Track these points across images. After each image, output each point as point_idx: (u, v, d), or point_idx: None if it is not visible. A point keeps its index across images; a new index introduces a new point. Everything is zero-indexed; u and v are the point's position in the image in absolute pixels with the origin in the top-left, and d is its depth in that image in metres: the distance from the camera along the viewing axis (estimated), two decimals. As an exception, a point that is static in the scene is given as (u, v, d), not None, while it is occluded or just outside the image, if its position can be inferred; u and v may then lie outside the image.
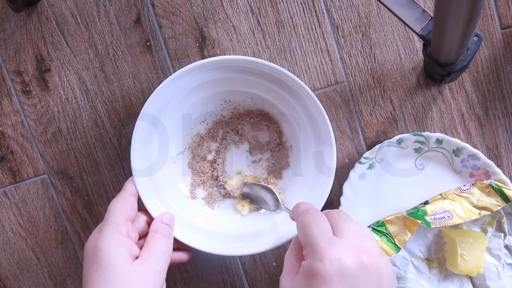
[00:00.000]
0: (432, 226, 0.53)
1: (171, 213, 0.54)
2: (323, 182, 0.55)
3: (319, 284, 0.40)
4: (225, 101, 0.58)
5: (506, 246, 0.59)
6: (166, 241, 0.51)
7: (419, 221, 0.54)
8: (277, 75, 0.53)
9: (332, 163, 0.54)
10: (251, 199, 0.58)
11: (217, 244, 0.55)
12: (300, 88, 0.53)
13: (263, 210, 0.59)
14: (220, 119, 0.59)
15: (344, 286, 0.40)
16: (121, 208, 0.50)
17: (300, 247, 0.45)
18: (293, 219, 0.49)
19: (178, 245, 0.54)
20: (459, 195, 0.57)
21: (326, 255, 0.41)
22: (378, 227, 0.56)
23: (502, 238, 0.59)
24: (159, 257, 0.49)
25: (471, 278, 0.60)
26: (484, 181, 0.57)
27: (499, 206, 0.56)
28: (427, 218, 0.55)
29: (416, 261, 0.60)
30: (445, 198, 0.58)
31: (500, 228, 0.59)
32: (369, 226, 0.56)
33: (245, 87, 0.56)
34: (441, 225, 0.54)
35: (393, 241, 0.55)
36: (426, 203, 0.58)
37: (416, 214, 0.55)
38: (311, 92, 0.53)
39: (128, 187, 0.53)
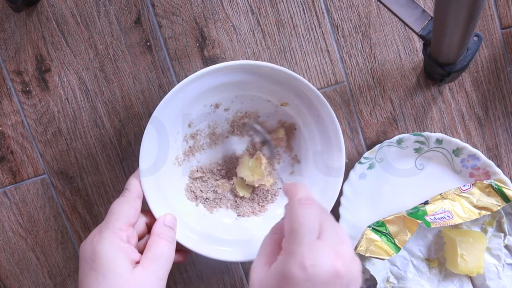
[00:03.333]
0: (432, 226, 0.53)
1: (173, 214, 0.53)
2: (331, 183, 0.55)
3: (290, 287, 0.40)
4: (229, 106, 0.58)
5: (506, 246, 0.59)
6: (168, 246, 0.49)
7: (419, 221, 0.54)
8: (282, 77, 0.53)
9: (340, 163, 0.54)
10: (255, 134, 0.58)
11: (218, 248, 0.55)
12: (307, 88, 0.53)
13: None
14: (225, 123, 0.59)
15: None
16: (124, 211, 0.48)
17: (281, 237, 0.44)
18: (286, 195, 0.46)
19: (176, 246, 0.53)
20: (459, 195, 0.57)
21: (305, 260, 0.40)
22: (378, 227, 0.56)
23: (502, 238, 0.59)
24: (160, 263, 0.47)
25: (471, 278, 0.60)
26: (484, 181, 0.57)
27: (499, 206, 0.56)
28: (427, 218, 0.55)
29: (416, 261, 0.60)
30: (445, 198, 0.58)
31: (500, 228, 0.59)
32: (369, 226, 0.56)
33: (252, 90, 0.56)
34: (441, 225, 0.54)
35: (393, 241, 0.55)
36: (426, 203, 0.58)
37: (416, 214, 0.55)
38: (318, 92, 0.53)
39: (133, 187, 0.51)
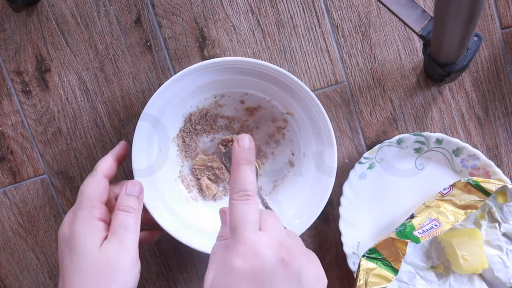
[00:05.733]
0: (422, 240, 0.53)
1: (138, 181, 0.52)
2: (324, 182, 0.55)
3: (236, 280, 0.39)
4: (225, 102, 0.58)
5: (504, 234, 0.59)
6: (128, 216, 0.49)
7: (408, 240, 0.53)
8: (277, 75, 0.53)
9: (333, 163, 0.54)
10: (231, 160, 0.59)
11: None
12: (300, 88, 0.53)
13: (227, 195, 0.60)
14: (221, 120, 0.59)
15: (261, 281, 0.39)
16: (94, 191, 0.49)
17: (224, 245, 0.44)
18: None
19: (147, 222, 0.53)
20: (441, 200, 0.58)
21: (246, 251, 0.40)
22: (372, 255, 0.55)
23: (498, 227, 0.59)
24: (121, 234, 0.48)
25: (480, 274, 0.59)
26: (462, 180, 0.57)
27: (482, 201, 0.56)
28: (416, 233, 0.54)
29: (422, 272, 0.60)
30: (429, 207, 0.58)
31: (492, 219, 0.59)
32: (363, 256, 0.55)
33: (246, 88, 0.56)
34: (431, 237, 0.54)
35: (389, 264, 0.55)
36: (412, 217, 0.58)
37: (404, 231, 0.55)
38: (310, 92, 0.53)
39: (100, 167, 0.52)
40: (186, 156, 0.59)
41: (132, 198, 0.50)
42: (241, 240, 0.41)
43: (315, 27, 0.60)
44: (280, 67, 0.60)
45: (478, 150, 0.59)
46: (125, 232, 0.48)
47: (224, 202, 0.60)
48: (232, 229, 0.42)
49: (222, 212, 0.49)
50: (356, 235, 0.60)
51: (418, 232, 0.55)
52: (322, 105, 0.54)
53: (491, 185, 0.56)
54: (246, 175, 0.43)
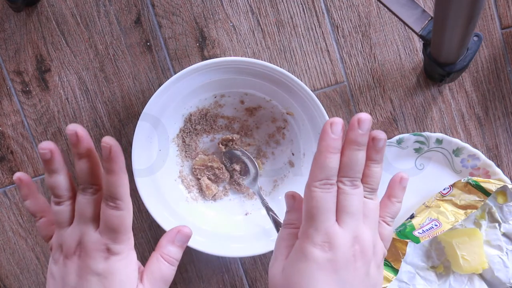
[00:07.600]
0: (422, 240, 0.53)
1: (188, 228, 0.46)
2: None
3: (311, 269, 0.39)
4: (225, 102, 0.58)
5: (504, 234, 0.59)
6: (170, 270, 0.44)
7: (408, 240, 0.53)
8: (277, 75, 0.53)
9: None
10: (231, 160, 0.59)
11: (217, 245, 0.55)
12: (300, 88, 0.53)
13: (229, 193, 0.60)
14: (221, 120, 0.59)
15: (336, 274, 0.39)
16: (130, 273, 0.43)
17: (293, 233, 0.43)
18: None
19: None
20: (441, 200, 0.58)
21: (324, 243, 0.39)
22: None
23: (498, 227, 0.59)
24: (156, 284, 0.43)
25: (480, 274, 0.59)
26: (462, 180, 0.57)
27: (482, 201, 0.56)
28: (416, 233, 0.54)
29: (422, 272, 0.60)
30: (429, 207, 0.57)
31: (492, 219, 0.59)
32: None
33: (246, 88, 0.57)
34: (431, 237, 0.54)
35: (389, 264, 0.55)
36: (412, 217, 0.58)
37: (404, 231, 0.55)
38: (310, 92, 0.53)
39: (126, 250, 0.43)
40: (186, 156, 0.60)
41: (179, 249, 0.45)
42: (320, 230, 0.40)
43: (315, 27, 0.60)
44: (280, 67, 0.60)
45: (478, 150, 0.59)
46: (164, 286, 0.44)
47: (224, 202, 0.60)
48: (310, 217, 0.40)
49: (290, 197, 0.45)
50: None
51: (418, 232, 0.55)
52: (322, 105, 0.54)
53: (491, 185, 0.56)
54: (332, 164, 0.40)
